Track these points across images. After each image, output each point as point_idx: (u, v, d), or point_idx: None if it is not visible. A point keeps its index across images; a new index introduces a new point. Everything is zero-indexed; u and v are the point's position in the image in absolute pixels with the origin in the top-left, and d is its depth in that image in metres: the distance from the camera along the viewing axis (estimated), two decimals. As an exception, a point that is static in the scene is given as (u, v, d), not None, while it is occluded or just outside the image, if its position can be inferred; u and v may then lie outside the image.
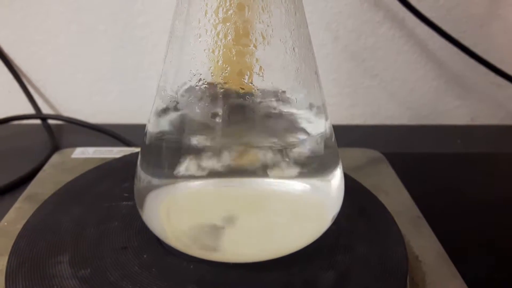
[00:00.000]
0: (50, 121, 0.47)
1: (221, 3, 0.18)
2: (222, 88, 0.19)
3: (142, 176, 0.22)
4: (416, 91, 0.50)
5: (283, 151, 0.20)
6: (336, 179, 0.22)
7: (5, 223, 0.26)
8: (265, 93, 0.20)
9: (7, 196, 0.34)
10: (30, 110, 0.46)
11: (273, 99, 0.20)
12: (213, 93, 0.19)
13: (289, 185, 0.21)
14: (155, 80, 0.22)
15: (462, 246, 0.28)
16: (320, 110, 0.22)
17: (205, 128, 0.20)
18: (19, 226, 0.24)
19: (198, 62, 0.19)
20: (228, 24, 0.19)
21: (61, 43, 0.46)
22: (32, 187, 0.30)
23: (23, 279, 0.20)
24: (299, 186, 0.21)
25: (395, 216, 0.26)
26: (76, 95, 0.48)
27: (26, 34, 0.45)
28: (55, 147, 0.41)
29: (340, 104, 0.50)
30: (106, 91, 0.48)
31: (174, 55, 0.20)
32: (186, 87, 0.20)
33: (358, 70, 0.48)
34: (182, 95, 0.20)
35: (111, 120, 0.49)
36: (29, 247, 0.22)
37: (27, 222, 0.24)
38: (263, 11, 0.19)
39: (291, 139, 0.21)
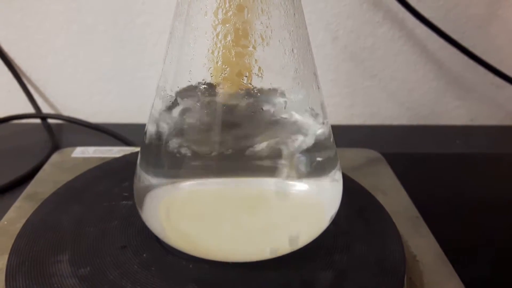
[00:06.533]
0: (50, 121, 0.47)
1: (220, 5, 0.18)
2: (221, 89, 0.19)
3: (142, 175, 0.22)
4: (415, 92, 0.50)
5: (281, 152, 0.20)
6: (334, 179, 0.22)
7: (5, 222, 0.26)
8: (264, 94, 0.20)
9: (7, 195, 0.34)
10: (30, 110, 0.47)
11: (272, 100, 0.20)
12: (212, 93, 0.19)
13: (288, 185, 0.21)
14: (154, 80, 0.22)
15: (460, 246, 0.29)
16: (319, 110, 0.22)
17: (204, 128, 0.20)
18: (19, 225, 0.24)
19: (197, 62, 0.20)
20: (227, 25, 0.19)
21: (61, 43, 0.46)
22: (32, 186, 0.30)
23: (23, 278, 0.20)
24: (297, 186, 0.21)
25: (393, 216, 0.26)
26: (76, 94, 0.48)
27: (26, 34, 0.45)
28: (55, 147, 0.41)
29: (339, 105, 0.50)
30: (106, 91, 0.48)
31: (174, 56, 0.20)
32: (185, 87, 0.20)
33: (358, 70, 0.48)
34: (182, 96, 0.20)
35: (111, 119, 0.49)
36: (29, 246, 0.22)
37: (27, 221, 0.24)
38: (262, 12, 0.19)
39: (290, 139, 0.21)
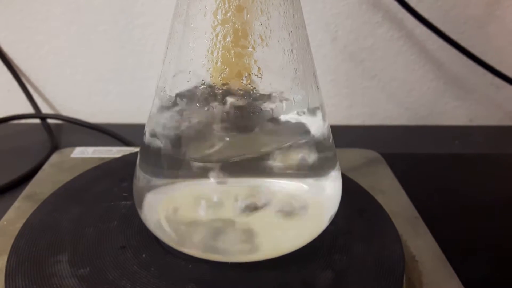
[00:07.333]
0: (50, 121, 0.47)
1: (220, 5, 0.18)
2: (221, 89, 0.19)
3: (141, 175, 0.22)
4: (414, 92, 0.50)
5: (281, 152, 0.20)
6: (333, 180, 0.23)
7: (5, 222, 0.26)
8: (263, 94, 0.20)
9: (7, 195, 0.34)
10: (29, 110, 0.47)
11: (271, 100, 0.20)
12: (211, 94, 0.19)
13: (287, 185, 0.21)
14: (154, 81, 0.22)
15: (459, 246, 0.29)
16: (318, 111, 0.22)
17: (203, 128, 0.20)
18: (19, 225, 0.24)
19: (196, 63, 0.20)
20: (226, 26, 0.19)
21: (61, 44, 0.46)
22: (32, 187, 0.30)
23: (22, 278, 0.20)
24: (297, 186, 0.21)
25: (392, 216, 0.26)
26: (75, 95, 0.48)
27: (26, 35, 0.45)
28: (55, 147, 0.41)
29: (339, 105, 0.50)
30: (106, 91, 0.48)
31: (173, 56, 0.20)
32: (184, 88, 0.20)
33: (357, 70, 0.48)
34: (181, 96, 0.20)
35: (111, 119, 0.49)
36: (28, 246, 0.22)
37: (27, 221, 0.24)
38: (261, 13, 0.19)
39: (289, 139, 0.21)
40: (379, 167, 0.35)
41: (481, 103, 0.51)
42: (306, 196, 0.22)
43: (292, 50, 0.20)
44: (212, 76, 0.19)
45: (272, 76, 0.20)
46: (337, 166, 0.23)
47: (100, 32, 0.45)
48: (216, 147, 0.20)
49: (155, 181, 0.21)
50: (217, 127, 0.20)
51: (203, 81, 0.20)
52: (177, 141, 0.21)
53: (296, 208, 0.21)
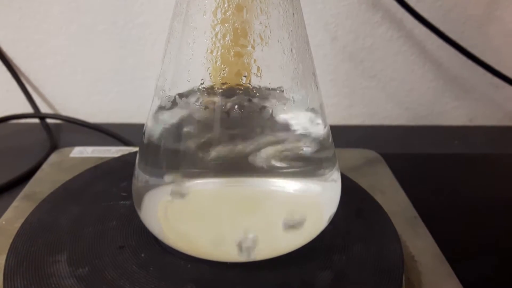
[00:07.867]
0: (49, 120, 0.47)
1: (219, 4, 0.18)
2: (220, 89, 0.19)
3: (140, 175, 0.22)
4: (414, 92, 0.50)
5: (280, 151, 0.20)
6: (333, 180, 0.22)
7: (3, 222, 0.26)
8: (262, 93, 0.20)
9: (5, 194, 0.34)
10: (28, 109, 0.47)
11: (270, 100, 0.20)
12: (211, 93, 0.19)
13: (286, 185, 0.21)
14: (153, 80, 0.22)
15: (458, 246, 0.29)
16: (318, 110, 0.22)
17: (202, 128, 0.20)
18: (17, 225, 0.24)
19: (196, 62, 0.20)
20: (226, 25, 0.19)
21: (60, 43, 0.46)
22: (30, 186, 0.30)
23: (21, 278, 0.20)
24: (296, 186, 0.21)
25: (392, 216, 0.26)
26: (74, 94, 0.48)
27: (25, 34, 0.45)
28: (54, 146, 0.41)
29: (338, 105, 0.50)
30: (105, 91, 0.48)
31: (173, 56, 0.20)
32: (184, 87, 0.20)
33: (356, 70, 0.48)
34: (180, 95, 0.20)
35: (110, 119, 0.49)
36: (27, 246, 0.22)
37: (25, 221, 0.24)
38: (261, 12, 0.19)
39: (289, 139, 0.21)
40: (378, 167, 0.35)
41: (481, 103, 0.51)
42: (306, 196, 0.22)
43: (291, 50, 0.20)
44: (212, 75, 0.19)
45: (271, 75, 0.20)
46: (337, 166, 0.23)
47: (100, 31, 0.45)
48: (215, 147, 0.20)
49: (154, 181, 0.21)
50: (216, 126, 0.20)
51: (202, 81, 0.19)
52: (176, 140, 0.21)
53: (296, 208, 0.21)
